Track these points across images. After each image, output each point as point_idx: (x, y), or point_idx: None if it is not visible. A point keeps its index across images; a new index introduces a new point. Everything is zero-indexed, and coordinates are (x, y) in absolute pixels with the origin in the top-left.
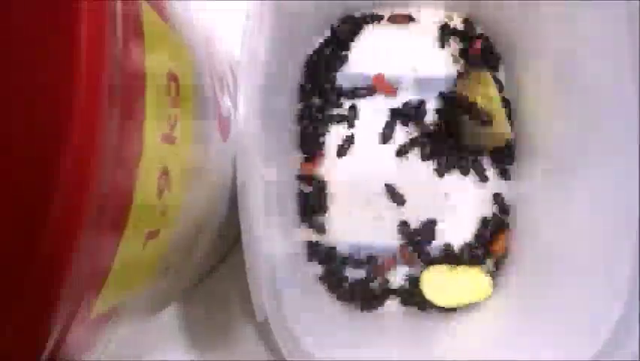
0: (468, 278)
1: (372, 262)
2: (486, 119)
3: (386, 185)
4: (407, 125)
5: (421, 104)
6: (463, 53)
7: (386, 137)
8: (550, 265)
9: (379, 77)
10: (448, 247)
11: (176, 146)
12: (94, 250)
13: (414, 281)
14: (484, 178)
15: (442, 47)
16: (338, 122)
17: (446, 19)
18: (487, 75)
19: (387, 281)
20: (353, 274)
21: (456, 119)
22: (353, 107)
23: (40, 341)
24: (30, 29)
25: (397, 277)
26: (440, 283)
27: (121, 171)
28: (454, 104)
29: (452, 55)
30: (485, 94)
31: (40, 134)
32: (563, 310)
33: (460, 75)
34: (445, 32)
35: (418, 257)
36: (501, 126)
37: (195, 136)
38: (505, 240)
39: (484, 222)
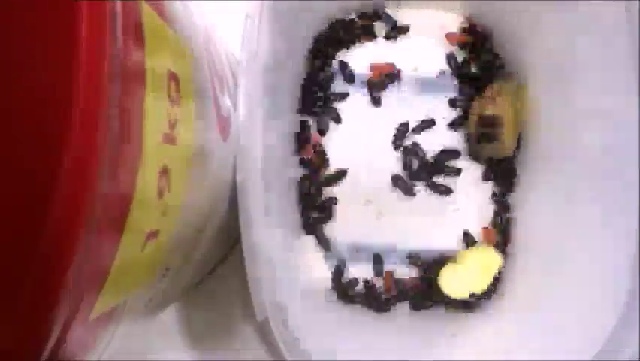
0: (477, 258)
1: (374, 263)
2: (493, 139)
3: (392, 177)
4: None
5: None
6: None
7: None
8: (551, 266)
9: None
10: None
11: (176, 146)
12: (94, 250)
13: (416, 283)
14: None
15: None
16: (335, 120)
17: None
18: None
19: (389, 282)
20: (353, 274)
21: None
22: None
23: (40, 341)
24: (30, 29)
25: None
26: (457, 277)
27: (121, 171)
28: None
29: (457, 67)
30: (513, 105)
31: (39, 135)
32: (563, 310)
33: (477, 89)
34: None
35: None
36: (506, 141)
37: (195, 136)
38: (494, 233)
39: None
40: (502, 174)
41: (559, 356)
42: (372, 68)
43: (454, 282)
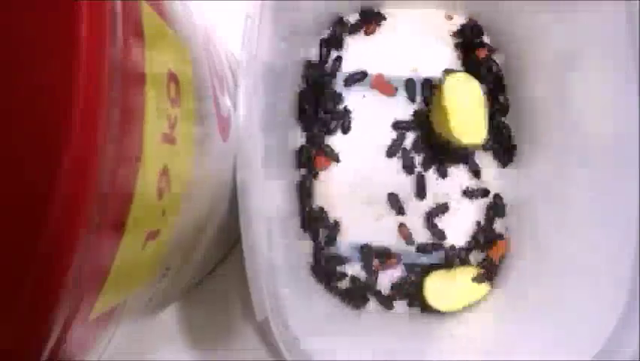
0: (466, 278)
1: (373, 262)
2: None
3: (389, 194)
4: (407, 131)
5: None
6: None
7: (391, 152)
8: (551, 266)
9: (379, 78)
10: (447, 251)
11: (176, 146)
12: (94, 250)
13: (414, 283)
14: (477, 174)
15: (463, 55)
16: (335, 123)
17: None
18: (470, 77)
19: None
20: (353, 274)
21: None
22: (346, 112)
23: (40, 341)
24: (30, 29)
25: (396, 276)
26: (442, 289)
27: (121, 171)
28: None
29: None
30: (469, 95)
31: (40, 135)
32: (563, 310)
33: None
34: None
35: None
36: (458, 130)
37: (195, 136)
38: (504, 247)
39: (483, 225)
40: (503, 174)
41: (559, 356)
42: (376, 83)
43: (439, 293)
